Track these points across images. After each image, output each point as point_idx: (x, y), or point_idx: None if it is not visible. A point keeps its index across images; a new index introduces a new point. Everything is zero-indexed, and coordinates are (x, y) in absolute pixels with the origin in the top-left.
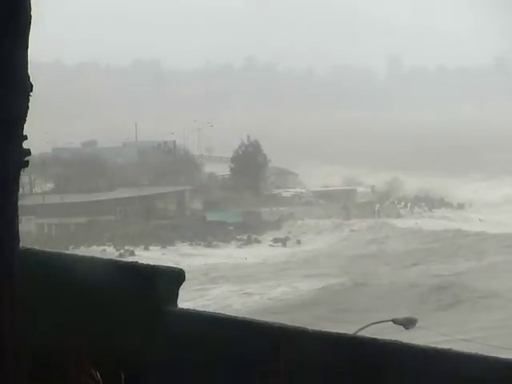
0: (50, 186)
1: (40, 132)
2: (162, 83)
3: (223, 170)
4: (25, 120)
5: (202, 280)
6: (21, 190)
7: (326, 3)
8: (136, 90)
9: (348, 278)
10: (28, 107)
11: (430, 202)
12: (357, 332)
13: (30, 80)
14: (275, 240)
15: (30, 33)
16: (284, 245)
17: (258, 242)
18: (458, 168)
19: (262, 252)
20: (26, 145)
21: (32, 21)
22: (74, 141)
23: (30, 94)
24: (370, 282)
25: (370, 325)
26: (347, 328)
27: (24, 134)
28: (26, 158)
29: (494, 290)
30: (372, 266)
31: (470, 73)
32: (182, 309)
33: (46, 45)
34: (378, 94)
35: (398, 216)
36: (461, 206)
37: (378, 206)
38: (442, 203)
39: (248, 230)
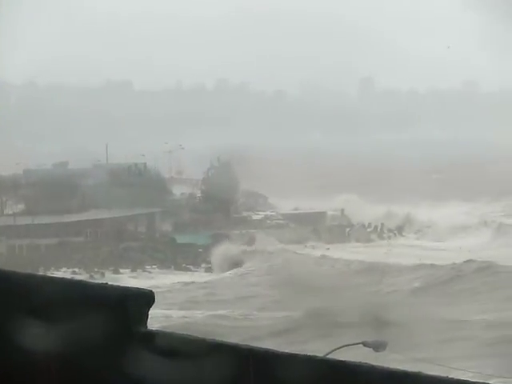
0: (20, 207)
1: (11, 153)
2: (133, 104)
3: (193, 193)
4: None
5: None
6: None
7: (300, 22)
8: (108, 111)
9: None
10: None
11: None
12: (327, 354)
13: None
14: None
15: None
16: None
17: None
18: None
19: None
20: None
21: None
22: (45, 162)
23: None
24: None
25: (340, 347)
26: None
27: None
28: None
29: None
30: None
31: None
32: (152, 330)
33: (19, 66)
34: (349, 115)
35: (368, 240)
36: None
37: (348, 229)
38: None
39: None
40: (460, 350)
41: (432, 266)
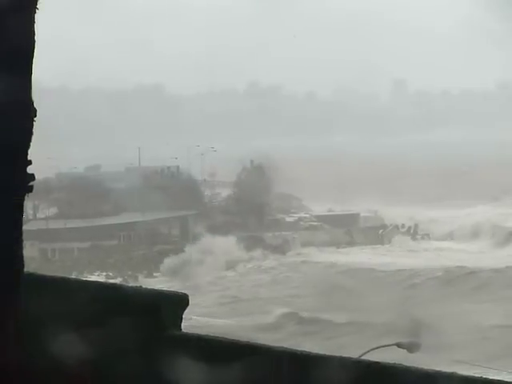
0: (53, 210)
1: (43, 157)
2: (165, 107)
3: (226, 195)
4: (29, 145)
5: None
6: (24, 215)
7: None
8: (140, 114)
9: None
10: (32, 132)
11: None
12: (361, 355)
13: (34, 105)
14: None
15: (35, 58)
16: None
17: None
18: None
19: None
20: (30, 170)
21: (36, 46)
22: (77, 165)
23: (34, 119)
24: None
25: (374, 349)
26: None
27: (28, 158)
28: (31, 183)
29: None
30: None
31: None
32: (187, 333)
33: (52, 69)
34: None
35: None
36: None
37: (381, 231)
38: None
39: None
40: None
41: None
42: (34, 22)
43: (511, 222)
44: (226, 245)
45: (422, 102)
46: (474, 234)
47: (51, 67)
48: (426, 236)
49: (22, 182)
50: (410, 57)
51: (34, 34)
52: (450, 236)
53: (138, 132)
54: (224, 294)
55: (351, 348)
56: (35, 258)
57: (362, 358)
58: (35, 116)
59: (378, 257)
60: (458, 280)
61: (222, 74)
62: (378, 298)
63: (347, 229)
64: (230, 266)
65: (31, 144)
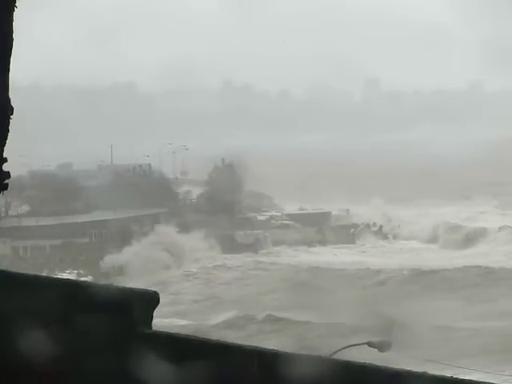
0: (25, 208)
1: (16, 154)
2: (137, 106)
3: (198, 194)
4: (5, 143)
5: None
6: None
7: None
8: (112, 112)
9: None
10: (8, 130)
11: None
12: (332, 354)
13: (11, 103)
14: None
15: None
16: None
17: None
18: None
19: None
20: (5, 167)
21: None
22: (49, 163)
23: (11, 117)
24: None
25: (345, 347)
26: None
27: (3, 156)
28: (6, 181)
29: None
30: None
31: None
32: (157, 331)
33: (24, 68)
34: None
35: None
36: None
37: (352, 230)
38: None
39: None
40: None
41: None
42: (13, 21)
43: (480, 221)
44: (194, 243)
45: (394, 100)
46: (442, 233)
47: (23, 65)
48: (396, 235)
49: None
50: (383, 55)
51: (13, 33)
52: (418, 235)
53: (110, 130)
54: (184, 291)
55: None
56: (7, 255)
57: (333, 357)
58: (12, 114)
59: (349, 256)
60: (421, 279)
61: (195, 73)
62: (345, 296)
63: (319, 227)
64: (197, 263)
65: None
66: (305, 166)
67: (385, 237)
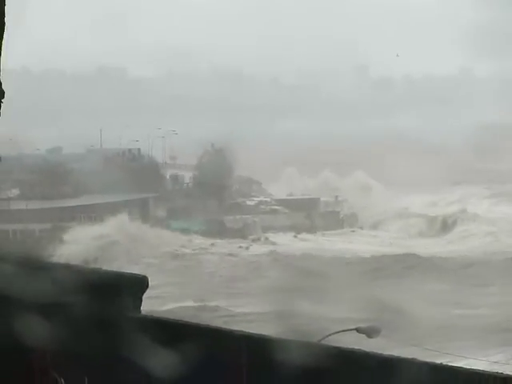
0: (15, 192)
1: (5, 138)
2: (126, 89)
3: (187, 178)
4: None
5: None
6: None
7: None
8: (101, 97)
9: None
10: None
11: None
12: (321, 340)
13: (2, 87)
14: None
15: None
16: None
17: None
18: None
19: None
20: None
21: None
22: (39, 147)
23: (2, 101)
24: None
25: (334, 333)
26: None
27: None
28: None
29: None
30: None
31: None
32: (146, 315)
33: (13, 51)
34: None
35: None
36: None
37: (342, 215)
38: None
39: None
40: None
41: None
42: (5, 4)
43: (478, 207)
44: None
45: (384, 86)
46: (431, 222)
47: (12, 48)
48: (380, 222)
49: None
50: (372, 40)
51: (4, 16)
52: (403, 222)
53: (100, 114)
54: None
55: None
56: None
57: (322, 342)
58: (3, 98)
59: (339, 243)
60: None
61: (185, 58)
62: (336, 281)
63: (307, 213)
64: (183, 247)
65: None
66: (293, 152)
67: (374, 225)
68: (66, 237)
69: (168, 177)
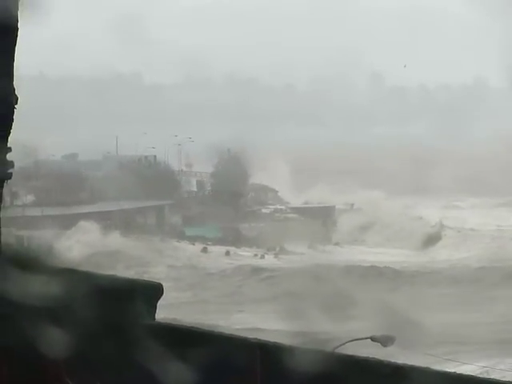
0: (30, 198)
1: (20, 144)
2: (143, 96)
3: (203, 186)
4: (10, 132)
5: None
6: (2, 202)
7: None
8: (118, 103)
9: None
10: (13, 120)
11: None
12: (335, 348)
13: (16, 93)
14: None
15: (16, 46)
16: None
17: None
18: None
19: None
20: (9, 157)
21: (18, 34)
22: (55, 153)
23: (15, 106)
24: None
25: (348, 342)
26: None
27: (8, 146)
28: (10, 170)
29: None
30: None
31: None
32: (160, 322)
33: (29, 57)
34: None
35: None
36: None
37: (357, 224)
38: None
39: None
40: None
41: None
42: (19, 8)
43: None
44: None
45: (399, 95)
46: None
47: (29, 54)
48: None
49: (2, 169)
50: (388, 49)
51: (18, 21)
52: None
53: (116, 121)
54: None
55: None
56: (12, 244)
57: (336, 350)
58: (16, 103)
59: (355, 252)
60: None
61: (202, 65)
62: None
63: (323, 221)
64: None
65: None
66: (307, 159)
67: (389, 234)
68: (80, 243)
69: (184, 184)
